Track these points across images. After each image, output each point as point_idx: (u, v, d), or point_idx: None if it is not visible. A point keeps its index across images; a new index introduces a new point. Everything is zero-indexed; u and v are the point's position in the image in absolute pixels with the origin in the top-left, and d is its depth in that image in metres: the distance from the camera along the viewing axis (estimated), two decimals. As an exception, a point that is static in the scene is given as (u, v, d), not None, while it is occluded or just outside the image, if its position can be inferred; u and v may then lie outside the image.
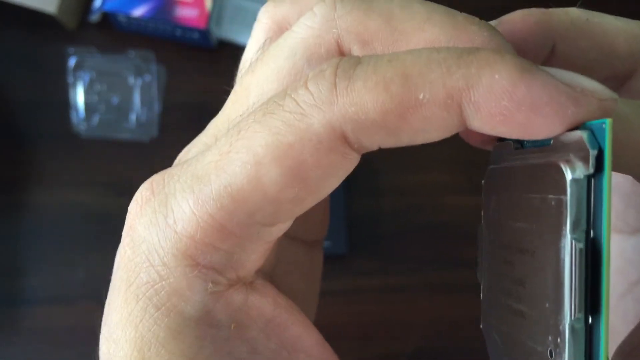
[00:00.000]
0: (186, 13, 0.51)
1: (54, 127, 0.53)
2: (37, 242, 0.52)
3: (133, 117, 0.53)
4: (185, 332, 0.14)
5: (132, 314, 0.15)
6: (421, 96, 0.13)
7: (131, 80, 0.53)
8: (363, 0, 0.15)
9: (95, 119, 0.53)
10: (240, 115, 0.15)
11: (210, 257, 0.14)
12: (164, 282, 0.14)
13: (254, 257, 0.15)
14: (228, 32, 0.54)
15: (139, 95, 0.53)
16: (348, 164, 0.14)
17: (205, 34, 0.52)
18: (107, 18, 0.54)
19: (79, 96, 0.53)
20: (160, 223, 0.14)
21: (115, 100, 0.53)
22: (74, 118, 0.53)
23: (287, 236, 0.19)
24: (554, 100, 0.13)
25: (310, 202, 0.14)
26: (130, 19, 0.52)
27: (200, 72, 0.54)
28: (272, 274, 0.18)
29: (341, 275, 0.51)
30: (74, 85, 0.53)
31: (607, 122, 0.12)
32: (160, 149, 0.52)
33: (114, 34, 0.54)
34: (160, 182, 0.15)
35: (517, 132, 0.13)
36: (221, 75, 0.54)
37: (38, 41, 0.55)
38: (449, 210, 0.52)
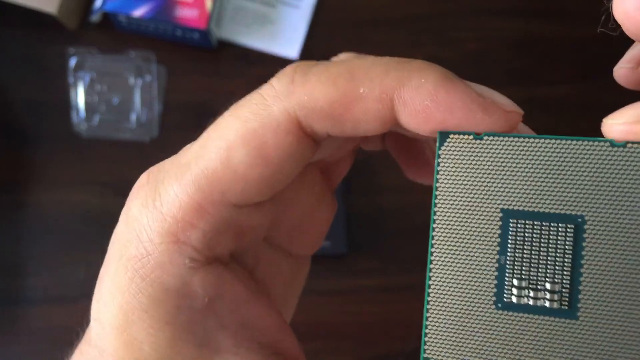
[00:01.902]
0: (186, 13, 0.51)
1: (54, 127, 0.53)
2: (37, 242, 0.52)
3: (133, 117, 0.53)
4: (165, 301, 0.17)
5: (120, 282, 0.17)
6: (362, 90, 0.16)
7: (132, 80, 0.53)
8: (316, 67, 0.17)
9: (96, 119, 0.53)
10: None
11: (189, 235, 0.17)
12: (149, 257, 0.17)
13: (227, 238, 0.17)
14: (228, 32, 0.54)
15: (140, 96, 0.53)
16: (304, 148, 0.17)
17: (205, 34, 0.52)
18: (108, 18, 0.54)
19: (80, 96, 0.53)
20: (150, 205, 0.17)
21: (115, 100, 0.53)
22: (74, 118, 0.53)
23: (277, 247, 0.21)
24: (467, 106, 0.15)
25: (274, 182, 0.17)
26: (130, 19, 0.52)
27: (200, 73, 0.54)
28: (253, 273, 0.20)
29: (341, 275, 0.51)
30: (75, 86, 0.53)
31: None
32: (160, 149, 0.52)
33: (114, 34, 0.55)
34: (154, 172, 0.18)
35: (435, 129, 0.16)
36: (221, 75, 0.54)
37: (39, 41, 0.55)
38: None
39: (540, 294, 0.15)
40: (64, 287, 0.51)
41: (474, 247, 0.16)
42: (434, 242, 0.16)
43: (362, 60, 0.16)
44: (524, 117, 0.16)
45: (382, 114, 0.16)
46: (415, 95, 0.15)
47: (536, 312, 0.15)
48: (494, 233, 0.16)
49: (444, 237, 0.16)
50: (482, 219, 0.16)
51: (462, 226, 0.16)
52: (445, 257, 0.16)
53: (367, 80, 0.16)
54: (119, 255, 0.17)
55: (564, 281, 0.15)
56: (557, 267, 0.15)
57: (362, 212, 0.52)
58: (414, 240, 0.52)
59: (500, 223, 0.16)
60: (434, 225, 0.16)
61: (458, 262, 0.16)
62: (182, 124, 0.53)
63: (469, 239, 0.16)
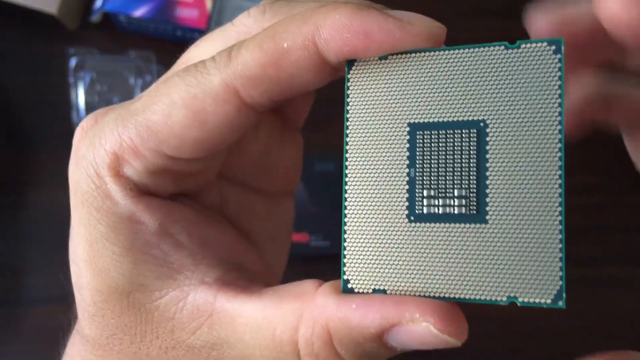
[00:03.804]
0: (187, 14, 0.51)
1: (54, 127, 0.53)
2: (37, 242, 0.52)
3: (133, 117, 0.53)
4: (121, 228, 0.18)
5: (81, 217, 0.19)
6: (285, 45, 0.17)
7: (132, 80, 0.53)
8: (286, 5, 0.19)
9: (96, 119, 0.53)
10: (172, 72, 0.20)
11: (127, 170, 0.18)
12: (99, 189, 0.19)
13: (164, 180, 0.19)
14: (228, 32, 0.54)
15: (140, 96, 0.53)
16: (243, 117, 0.18)
17: (205, 34, 0.52)
18: (108, 18, 0.54)
19: (80, 96, 0.53)
20: (96, 144, 0.19)
21: (116, 100, 0.53)
22: (74, 118, 0.53)
23: (244, 186, 0.22)
24: (383, 28, 0.16)
25: (210, 145, 0.18)
26: (130, 19, 0.52)
27: (200, 73, 0.54)
28: (224, 211, 0.22)
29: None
30: (75, 86, 0.53)
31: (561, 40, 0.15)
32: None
33: (114, 34, 0.55)
34: (102, 114, 0.20)
35: (362, 55, 0.17)
36: (221, 75, 0.54)
37: (39, 42, 0.55)
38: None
39: (449, 202, 0.16)
40: (64, 287, 0.51)
41: (386, 165, 0.17)
42: (347, 163, 0.17)
43: (282, 20, 0.17)
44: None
45: (311, 60, 0.17)
46: (333, 32, 0.16)
47: (447, 220, 0.16)
48: (402, 147, 0.16)
49: (357, 159, 0.17)
50: (391, 136, 0.17)
51: (373, 146, 0.17)
52: (359, 179, 0.17)
53: (288, 35, 0.17)
54: (74, 193, 0.19)
55: (471, 187, 0.16)
56: (463, 174, 0.16)
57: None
58: (414, 241, 0.52)
59: (408, 137, 0.16)
60: (347, 148, 0.17)
61: (371, 182, 0.17)
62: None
63: (380, 158, 0.17)
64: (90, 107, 0.53)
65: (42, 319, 0.50)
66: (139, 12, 0.51)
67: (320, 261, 0.51)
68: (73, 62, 0.53)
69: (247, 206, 0.22)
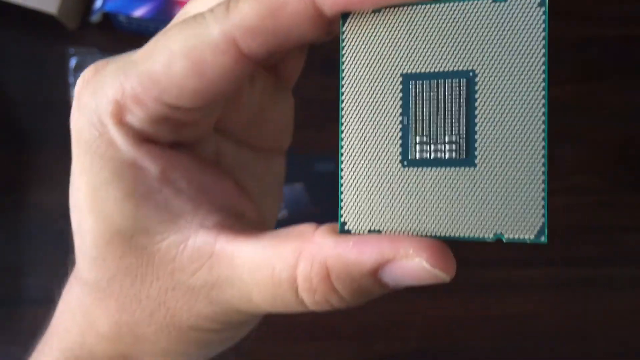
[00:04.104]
0: (187, 13, 0.51)
1: (54, 128, 0.53)
2: (38, 242, 0.52)
3: (133, 117, 0.53)
4: (123, 173, 0.19)
5: (84, 164, 0.19)
6: None
7: (132, 80, 0.53)
8: None
9: (96, 119, 0.53)
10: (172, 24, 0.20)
11: (129, 118, 0.19)
12: (102, 137, 0.19)
13: (164, 128, 0.19)
14: (228, 32, 0.54)
15: (140, 96, 0.53)
16: (240, 69, 0.18)
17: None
18: (108, 18, 0.54)
19: (80, 96, 0.53)
20: (98, 92, 0.19)
21: (115, 100, 0.53)
22: (74, 118, 0.53)
23: (238, 141, 0.23)
24: None
25: (209, 95, 0.18)
26: (130, 19, 0.52)
27: (200, 73, 0.54)
28: (222, 168, 0.22)
29: (341, 276, 0.51)
30: (75, 86, 0.53)
31: None
32: (160, 149, 0.52)
33: (114, 34, 0.55)
34: (102, 65, 0.20)
35: (357, 7, 0.17)
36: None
37: (39, 42, 0.55)
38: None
39: (440, 147, 0.17)
40: (63, 287, 0.51)
41: (380, 113, 0.18)
42: (343, 112, 0.18)
43: None
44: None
45: (307, 12, 0.17)
46: None
47: (438, 165, 0.17)
48: (396, 97, 0.17)
49: (352, 108, 0.18)
50: (385, 86, 0.17)
51: (367, 95, 0.18)
52: (354, 127, 0.18)
53: None
54: (77, 141, 0.20)
55: (461, 133, 0.17)
56: (454, 121, 0.17)
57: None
58: (414, 241, 0.52)
59: (401, 87, 0.17)
60: (342, 98, 0.18)
61: (366, 129, 0.18)
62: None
63: (374, 107, 0.18)
64: (90, 107, 0.53)
65: (42, 319, 0.50)
66: (139, 12, 0.51)
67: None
68: (73, 62, 0.53)
69: (241, 161, 0.23)
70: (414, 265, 0.16)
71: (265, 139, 0.24)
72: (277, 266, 0.18)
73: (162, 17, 0.51)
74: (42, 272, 0.52)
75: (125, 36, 0.54)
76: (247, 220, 0.21)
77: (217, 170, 0.21)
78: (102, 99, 0.19)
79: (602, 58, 0.55)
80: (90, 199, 0.20)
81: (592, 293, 0.51)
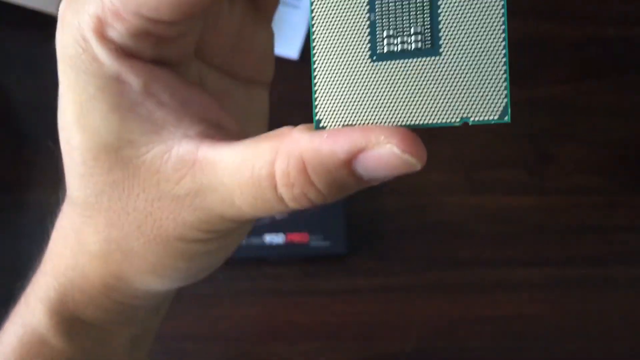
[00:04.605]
0: (186, 13, 0.51)
1: (54, 128, 0.53)
2: (37, 242, 0.52)
3: (133, 117, 0.53)
4: (108, 88, 0.20)
5: (70, 81, 0.20)
6: None
7: (131, 80, 0.53)
8: None
9: (96, 119, 0.53)
10: None
11: (111, 33, 0.19)
12: (86, 52, 0.19)
13: (145, 43, 0.20)
14: (228, 32, 0.54)
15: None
16: None
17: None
18: (108, 18, 0.54)
19: (80, 96, 0.53)
20: (80, 10, 0.19)
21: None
22: (74, 118, 0.53)
23: (220, 69, 0.23)
24: None
25: (186, 8, 0.19)
26: (130, 19, 0.52)
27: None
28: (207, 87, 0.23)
29: (341, 275, 0.51)
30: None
31: None
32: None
33: (114, 34, 0.55)
34: None
35: None
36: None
37: (39, 42, 0.55)
38: (448, 210, 0.52)
39: (406, 39, 0.18)
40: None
41: (348, 11, 0.18)
42: (313, 14, 0.19)
43: None
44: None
45: None
46: None
47: (405, 57, 0.18)
48: None
49: (322, 7, 0.19)
50: None
51: None
52: (324, 26, 0.18)
53: None
54: (62, 59, 0.20)
55: (425, 24, 0.18)
56: (418, 13, 0.18)
57: (362, 212, 0.52)
58: (414, 240, 0.52)
59: None
60: (312, 1, 0.19)
61: (336, 28, 0.18)
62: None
63: (342, 6, 0.18)
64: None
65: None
66: (139, 12, 0.51)
67: (320, 261, 0.51)
68: (73, 62, 0.53)
69: (223, 89, 0.24)
70: (385, 151, 0.17)
71: (245, 68, 0.24)
72: (256, 164, 0.18)
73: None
74: (42, 272, 0.52)
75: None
76: (229, 132, 0.21)
77: (198, 89, 0.22)
78: (84, 16, 0.19)
79: (601, 57, 0.55)
80: (77, 115, 0.20)
81: (591, 293, 0.51)
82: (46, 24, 0.54)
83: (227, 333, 0.49)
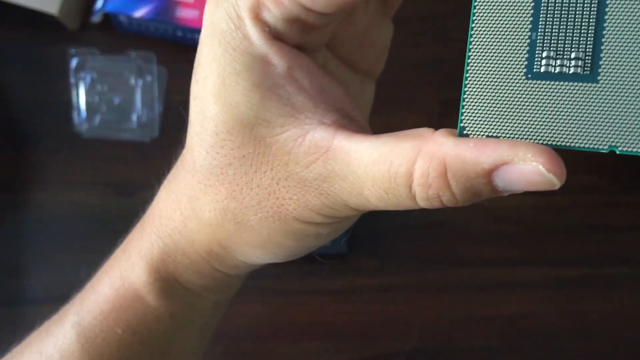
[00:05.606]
0: (187, 14, 0.51)
1: (55, 128, 0.53)
2: (38, 242, 0.52)
3: (134, 117, 0.53)
4: (254, 67, 0.20)
5: (216, 54, 0.21)
6: None
7: (132, 80, 0.53)
8: None
9: (97, 119, 0.53)
10: None
11: (266, 15, 0.20)
12: (238, 30, 0.20)
13: (294, 28, 0.20)
14: (229, 32, 0.54)
15: (140, 96, 0.53)
16: None
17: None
18: (109, 19, 0.54)
19: (81, 96, 0.53)
20: None
21: (116, 100, 0.53)
22: (75, 118, 0.53)
23: (341, 58, 0.24)
24: None
25: (341, 2, 0.19)
26: (131, 19, 0.52)
27: (200, 73, 0.54)
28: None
29: (341, 275, 0.51)
30: (76, 86, 0.53)
31: None
32: (161, 149, 0.52)
33: (115, 34, 0.55)
34: None
35: None
36: (222, 75, 0.54)
37: (40, 42, 0.55)
38: (448, 209, 0.52)
39: (566, 62, 0.18)
40: (64, 287, 0.51)
41: (509, 27, 0.18)
42: (473, 25, 0.19)
43: None
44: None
45: None
46: None
47: (561, 79, 0.18)
48: (527, 13, 0.18)
49: (483, 20, 0.19)
50: (517, 2, 0.18)
51: (499, 10, 0.19)
52: (483, 37, 0.19)
53: None
54: (212, 32, 0.21)
55: (587, 50, 0.18)
56: (581, 38, 0.18)
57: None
58: (414, 240, 0.52)
59: (533, 4, 0.18)
60: (474, 11, 0.19)
61: (495, 41, 0.19)
62: (182, 124, 0.53)
63: (505, 21, 0.18)
64: (90, 108, 0.53)
65: (42, 319, 0.50)
66: (140, 13, 0.51)
67: (320, 261, 0.51)
68: (74, 62, 0.53)
69: (341, 78, 0.24)
70: (531, 168, 0.17)
71: (364, 61, 0.25)
72: (395, 161, 0.19)
73: (162, 17, 0.51)
74: (42, 272, 0.52)
75: (126, 37, 0.55)
76: (358, 124, 0.22)
77: (331, 78, 0.22)
78: None
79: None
80: (219, 88, 0.21)
81: (591, 293, 0.51)
82: (47, 24, 0.54)
83: (228, 332, 0.49)
